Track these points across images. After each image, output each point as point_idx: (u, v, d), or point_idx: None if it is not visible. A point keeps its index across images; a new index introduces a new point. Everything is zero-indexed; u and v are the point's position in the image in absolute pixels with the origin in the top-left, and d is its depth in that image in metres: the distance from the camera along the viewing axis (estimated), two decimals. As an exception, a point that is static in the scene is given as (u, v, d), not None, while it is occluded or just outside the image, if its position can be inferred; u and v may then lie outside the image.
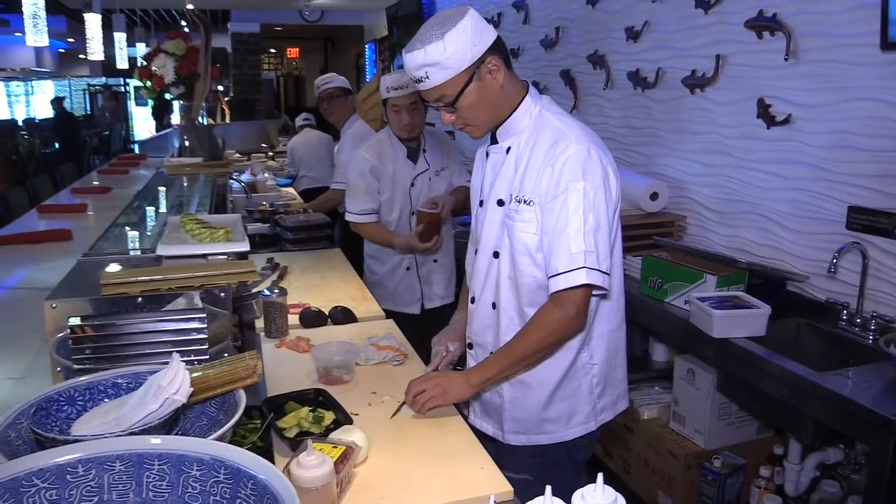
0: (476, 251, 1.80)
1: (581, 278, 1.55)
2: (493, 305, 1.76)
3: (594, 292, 1.63)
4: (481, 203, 1.79)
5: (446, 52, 1.53)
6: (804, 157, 2.52)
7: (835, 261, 2.23)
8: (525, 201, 1.64)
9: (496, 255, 1.73)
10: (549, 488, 0.93)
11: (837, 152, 2.39)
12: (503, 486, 1.40)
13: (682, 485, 2.61)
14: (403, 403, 1.71)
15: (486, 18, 1.64)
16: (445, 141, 3.06)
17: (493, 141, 1.75)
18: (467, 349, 1.87)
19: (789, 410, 2.04)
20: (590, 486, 0.94)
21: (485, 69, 1.59)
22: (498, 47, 1.61)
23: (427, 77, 1.58)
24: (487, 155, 1.78)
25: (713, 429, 2.59)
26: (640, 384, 2.95)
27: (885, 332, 2.12)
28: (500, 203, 1.71)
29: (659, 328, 2.81)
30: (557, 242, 1.58)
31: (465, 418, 1.75)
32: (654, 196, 3.11)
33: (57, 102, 12.67)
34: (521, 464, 1.72)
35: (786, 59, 2.53)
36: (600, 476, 0.94)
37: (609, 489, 0.93)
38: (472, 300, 1.82)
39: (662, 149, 3.30)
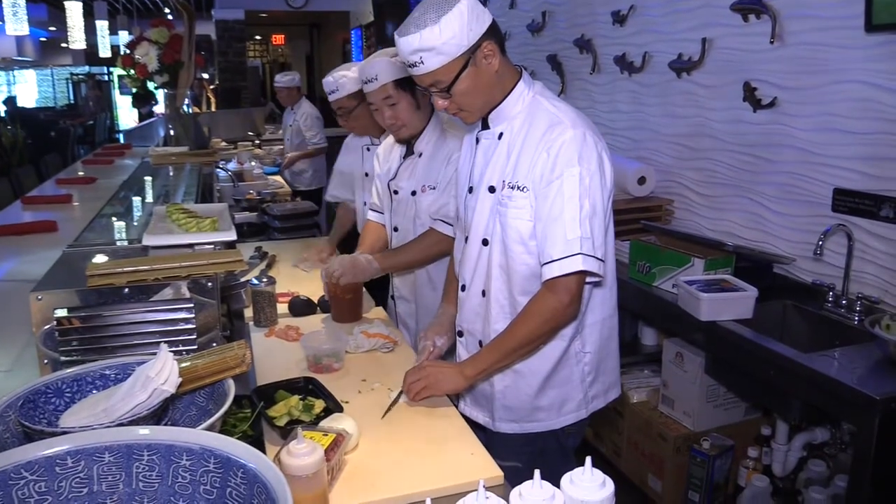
0: (465, 239, 1.78)
1: (577, 265, 1.54)
2: (483, 293, 1.75)
3: (588, 279, 1.62)
4: (471, 190, 1.76)
5: (442, 36, 1.50)
6: (790, 140, 2.53)
7: (820, 243, 2.24)
8: (518, 187, 1.62)
9: (485, 242, 1.71)
10: (537, 472, 0.94)
11: (823, 135, 2.40)
12: (493, 472, 1.41)
13: (671, 467, 2.64)
14: (396, 400, 1.69)
15: (472, 3, 1.62)
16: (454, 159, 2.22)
17: (485, 126, 1.72)
18: (458, 337, 1.86)
19: (776, 392, 2.06)
20: (578, 470, 0.95)
21: (480, 54, 1.56)
22: (493, 32, 1.58)
23: (421, 62, 1.54)
24: (478, 141, 1.75)
25: (702, 411, 2.61)
26: (629, 368, 2.97)
27: (870, 313, 2.14)
28: (492, 190, 1.68)
29: (647, 312, 2.82)
30: (552, 229, 1.56)
31: (455, 407, 1.75)
32: (641, 180, 3.12)
33: (9, 102, 12.43)
34: (511, 451, 1.71)
35: (771, 42, 2.54)
36: (588, 459, 0.95)
37: (598, 472, 0.94)
38: (463, 288, 1.81)
39: (649, 133, 3.30)
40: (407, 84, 2.14)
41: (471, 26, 1.52)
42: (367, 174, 2.85)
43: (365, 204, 2.88)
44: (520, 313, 1.64)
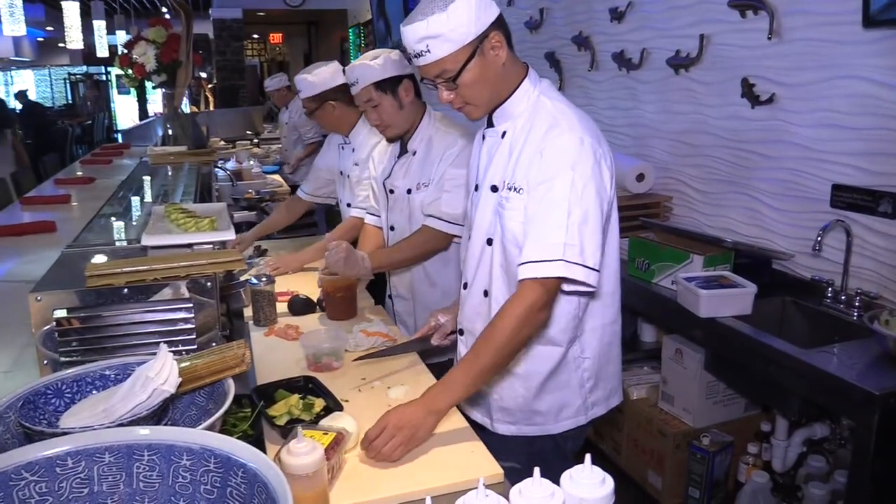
0: (470, 237, 1.77)
1: (556, 270, 1.47)
2: (485, 293, 1.73)
3: (581, 289, 1.55)
4: (476, 188, 1.74)
5: (450, 23, 1.48)
6: (789, 136, 2.53)
7: (819, 239, 2.24)
8: (515, 189, 1.59)
9: (489, 242, 1.69)
10: (537, 470, 0.94)
11: (821, 131, 2.40)
12: (494, 470, 1.41)
13: (671, 463, 2.64)
14: (378, 352, 1.78)
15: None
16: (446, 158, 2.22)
17: (490, 124, 1.70)
18: (458, 335, 1.86)
19: (776, 388, 2.06)
20: (578, 467, 0.95)
21: (488, 45, 1.54)
22: (501, 23, 1.57)
23: (428, 51, 1.52)
24: (484, 138, 1.73)
25: (701, 407, 2.61)
26: (629, 365, 2.97)
27: (869, 308, 2.14)
28: (494, 189, 1.67)
29: (647, 309, 2.82)
30: (535, 230, 1.51)
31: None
32: (640, 177, 3.12)
33: (21, 96, 12.42)
34: (510, 452, 1.67)
35: (769, 38, 2.53)
36: (588, 456, 0.95)
37: (597, 469, 0.94)
38: (465, 286, 1.79)
39: (648, 130, 3.30)
40: (388, 86, 2.19)
41: (479, 15, 1.51)
42: (341, 172, 2.90)
43: (342, 201, 2.92)
44: (487, 327, 1.54)
